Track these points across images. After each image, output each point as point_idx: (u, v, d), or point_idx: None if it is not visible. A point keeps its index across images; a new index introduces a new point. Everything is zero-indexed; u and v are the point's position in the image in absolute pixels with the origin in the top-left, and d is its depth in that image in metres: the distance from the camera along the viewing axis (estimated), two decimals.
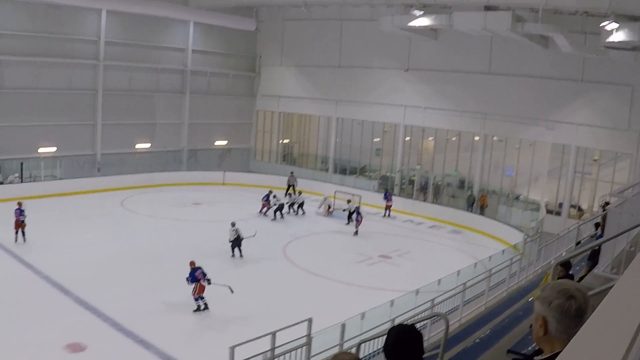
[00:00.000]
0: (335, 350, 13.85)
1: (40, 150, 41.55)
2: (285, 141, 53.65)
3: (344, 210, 37.26)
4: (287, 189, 43.57)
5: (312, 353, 13.29)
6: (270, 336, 12.38)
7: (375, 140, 46.83)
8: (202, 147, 50.14)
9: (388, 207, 40.16)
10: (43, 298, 21.82)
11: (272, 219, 36.47)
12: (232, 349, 11.55)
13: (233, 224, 28.51)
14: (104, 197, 38.84)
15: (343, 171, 48.06)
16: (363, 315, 15.88)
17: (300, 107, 50.89)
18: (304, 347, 13.01)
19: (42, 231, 29.78)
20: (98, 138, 44.37)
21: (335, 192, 40.23)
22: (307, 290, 24.49)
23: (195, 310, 21.44)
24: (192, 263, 21.81)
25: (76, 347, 17.55)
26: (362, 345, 11.51)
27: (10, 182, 38.44)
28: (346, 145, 48.24)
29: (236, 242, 28.39)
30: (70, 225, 32.51)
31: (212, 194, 43.31)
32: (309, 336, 13.12)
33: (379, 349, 13.08)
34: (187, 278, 21.43)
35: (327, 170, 49.02)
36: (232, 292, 21.64)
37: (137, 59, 45.60)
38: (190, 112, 49.44)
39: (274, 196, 37.28)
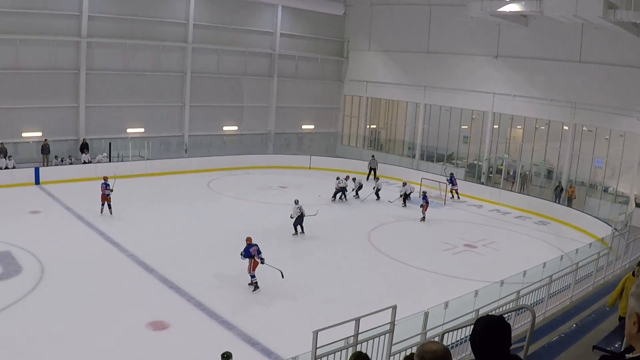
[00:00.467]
0: (418, 339, 13.48)
1: (129, 130, 42.30)
2: (372, 126, 53.14)
3: (400, 195, 36.53)
4: (369, 173, 43.26)
5: (395, 341, 12.89)
6: (353, 322, 12.02)
7: (463, 127, 45.83)
8: (289, 131, 50.20)
9: (454, 191, 39.49)
10: (128, 276, 22.16)
11: (332, 201, 36.25)
12: (316, 333, 11.21)
13: (296, 202, 28.76)
14: (191, 178, 39.15)
15: (430, 158, 47.31)
16: (446, 305, 15.34)
17: (388, 93, 50.19)
18: (387, 335, 12.61)
19: (128, 211, 30.25)
20: (186, 120, 44.91)
21: (421, 179, 39.51)
22: (390, 277, 24.06)
23: (249, 284, 21.65)
24: (248, 239, 21.88)
25: (159, 326, 17.73)
26: (446, 335, 11.33)
27: (99, 162, 39.11)
28: (433, 132, 47.33)
29: (299, 220, 28.57)
30: (156, 206, 32.91)
31: (298, 177, 43.06)
32: (392, 323, 12.69)
33: (461, 339, 12.71)
34: (241, 253, 21.69)
35: (413, 157, 48.35)
36: (282, 277, 21.48)
37: (225, 42, 45.81)
38: (278, 95, 49.50)
39: (337, 178, 36.99)
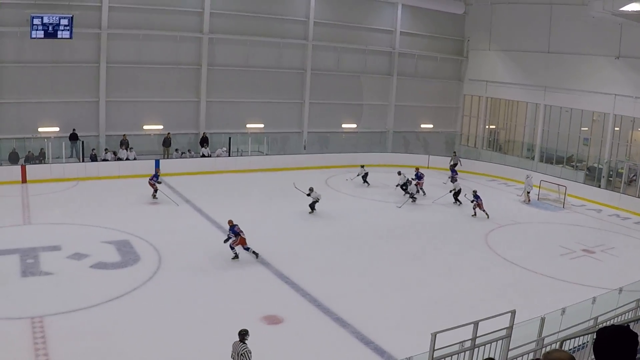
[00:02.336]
0: (533, 345, 12.30)
1: (248, 126, 42.18)
2: (492, 127, 50.89)
3: (450, 191, 33.90)
4: (452, 168, 41.20)
5: (511, 346, 12.02)
6: (471, 325, 11.42)
7: (583, 129, 43.02)
8: (408, 130, 48.41)
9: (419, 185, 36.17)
10: (244, 270, 22.03)
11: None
12: (434, 335, 10.71)
13: (311, 189, 28.92)
14: (309, 174, 37.97)
15: (549, 160, 44.65)
16: (563, 311, 14.11)
17: (508, 93, 47.65)
18: (504, 340, 12.02)
19: (245, 205, 29.50)
20: (305, 116, 44.31)
21: (540, 181, 37.21)
22: (505, 280, 22.56)
23: (233, 258, 22.67)
24: (230, 221, 23.00)
25: (273, 320, 17.57)
26: (565, 342, 10.89)
27: (218, 156, 39.01)
28: (553, 134, 44.63)
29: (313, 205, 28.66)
30: (274, 201, 32.42)
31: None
32: (510, 328, 11.99)
33: (578, 347, 12.03)
34: (228, 235, 22.82)
35: (532, 158, 45.81)
36: (257, 257, 22.69)
37: (345, 39, 44.80)
38: (397, 94, 47.89)
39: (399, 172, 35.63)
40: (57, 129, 37.29)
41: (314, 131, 44.59)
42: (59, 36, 34.60)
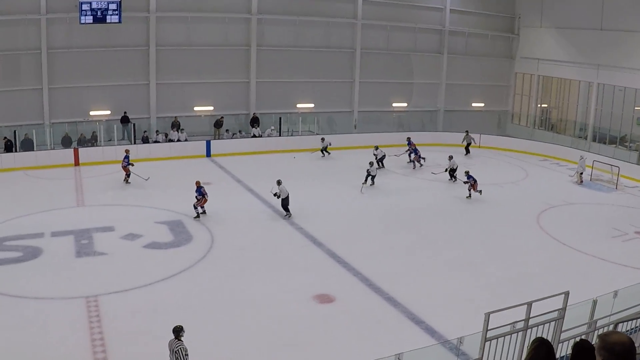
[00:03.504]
0: (584, 328, 11.68)
1: (299, 105, 41.68)
2: (543, 106, 49.47)
3: (446, 169, 32.26)
4: (467, 147, 40.08)
5: (563, 328, 11.28)
6: (524, 306, 10.67)
7: (637, 108, 41.40)
8: (458, 109, 47.27)
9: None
10: (296, 249, 21.82)
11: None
12: (488, 315, 10.17)
13: (279, 182, 25.09)
14: (359, 154, 37.17)
15: (602, 140, 43.10)
16: (616, 294, 13.51)
17: (559, 71, 45.91)
18: (556, 321, 11.31)
19: (297, 185, 28.93)
20: (355, 95, 43.52)
21: (593, 162, 35.82)
22: (558, 262, 21.41)
23: (195, 218, 24.18)
24: (197, 182, 24.59)
25: (325, 299, 17.34)
26: (620, 325, 10.15)
27: (268, 136, 38.47)
28: (606, 113, 43.06)
29: (285, 201, 25.06)
30: (324, 180, 31.80)
31: (467, 156, 40.12)
32: (563, 310, 11.20)
33: (629, 330, 11.05)
34: (195, 195, 24.21)
35: (585, 138, 44.32)
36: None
37: (394, 18, 43.70)
38: (448, 72, 46.68)
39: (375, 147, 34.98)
40: (108, 112, 37.43)
41: (364, 110, 43.75)
42: (107, 21, 34.49)
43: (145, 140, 36.78)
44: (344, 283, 18.59)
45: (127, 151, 30.14)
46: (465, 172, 29.72)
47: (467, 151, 39.48)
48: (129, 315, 16.01)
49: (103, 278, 18.35)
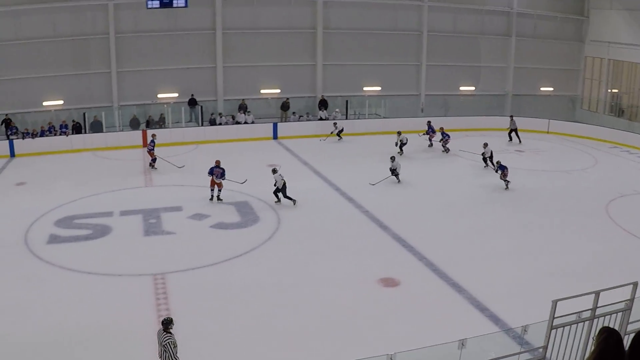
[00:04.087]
0: None
1: (365, 89, 41.18)
2: (614, 91, 47.89)
3: (483, 156, 30.55)
4: (510, 133, 38.19)
5: (630, 319, 11.06)
6: (592, 295, 10.44)
7: None
8: (527, 93, 46.05)
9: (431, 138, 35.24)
10: (362, 232, 21.43)
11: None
12: (555, 302, 10.04)
13: (275, 171, 24.26)
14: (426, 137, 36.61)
15: None
16: None
17: (631, 55, 43.91)
18: (623, 312, 11.00)
19: (363, 167, 28.63)
20: (422, 79, 42.72)
21: None
22: (627, 253, 20.22)
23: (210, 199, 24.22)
24: (217, 161, 24.38)
25: (389, 282, 17.08)
26: None
27: (334, 118, 37.92)
28: None
29: (280, 190, 24.11)
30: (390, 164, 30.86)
31: (536, 142, 38.75)
32: (631, 301, 10.96)
33: None
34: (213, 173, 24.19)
35: None
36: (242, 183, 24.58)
37: (461, 0, 42.70)
38: (516, 56, 45.38)
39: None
40: (176, 94, 37.72)
41: (432, 94, 42.93)
42: (174, 5, 34.46)
43: (213, 122, 36.91)
44: (408, 267, 18.24)
45: (153, 135, 30.01)
46: (497, 161, 28.39)
47: (510, 138, 37.86)
48: (195, 293, 16.06)
49: (170, 256, 18.53)
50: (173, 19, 36.51)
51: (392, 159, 27.64)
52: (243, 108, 37.57)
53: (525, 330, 11.26)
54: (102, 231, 20.68)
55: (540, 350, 10.64)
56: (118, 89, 36.70)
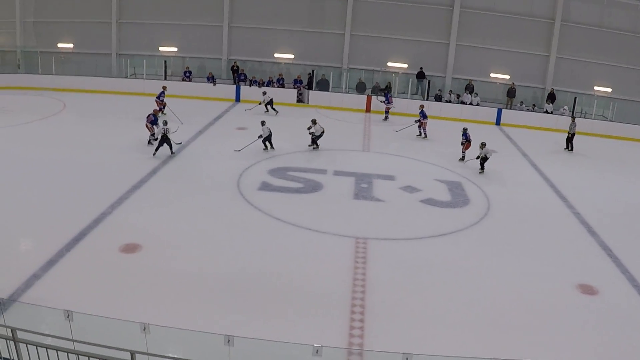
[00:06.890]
0: None
1: (596, 88, 37.73)
2: None
3: (477, 157, 24.93)
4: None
5: None
6: None
7: None
8: None
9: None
10: (568, 233, 19.36)
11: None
12: None
13: (263, 123, 24.69)
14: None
15: None
16: None
17: None
18: None
19: (590, 174, 26.61)
20: None
21: None
22: None
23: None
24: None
25: (587, 289, 15.26)
26: None
27: (561, 114, 35.06)
28: None
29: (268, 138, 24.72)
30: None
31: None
32: None
33: None
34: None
35: None
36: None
37: None
38: None
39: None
40: (405, 65, 37.37)
41: None
42: None
43: (438, 98, 36.08)
44: (610, 277, 16.32)
45: (164, 87, 29.60)
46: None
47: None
48: (394, 264, 15.49)
49: (376, 223, 18.08)
50: None
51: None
52: (470, 89, 36.41)
53: None
54: (313, 187, 20.77)
55: None
56: (349, 51, 36.98)
